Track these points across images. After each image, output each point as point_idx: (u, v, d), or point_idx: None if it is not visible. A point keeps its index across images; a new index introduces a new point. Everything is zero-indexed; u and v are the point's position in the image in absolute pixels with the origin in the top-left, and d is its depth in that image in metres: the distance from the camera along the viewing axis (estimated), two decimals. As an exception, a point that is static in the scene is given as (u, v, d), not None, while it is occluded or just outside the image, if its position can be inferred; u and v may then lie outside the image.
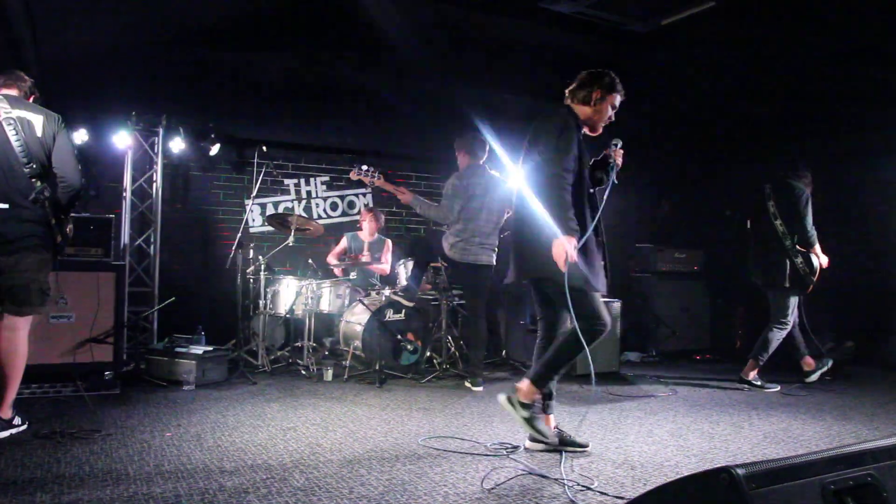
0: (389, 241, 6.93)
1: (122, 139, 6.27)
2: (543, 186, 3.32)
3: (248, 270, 6.17)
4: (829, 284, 5.29)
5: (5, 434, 3.48)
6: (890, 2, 5.05)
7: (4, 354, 3.50)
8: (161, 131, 6.54)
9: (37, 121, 3.56)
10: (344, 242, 6.82)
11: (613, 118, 3.56)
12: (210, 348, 5.32)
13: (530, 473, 3.13)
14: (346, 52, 6.18)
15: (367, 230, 6.78)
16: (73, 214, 3.86)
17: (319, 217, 7.63)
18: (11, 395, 3.55)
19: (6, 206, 3.44)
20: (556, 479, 3.04)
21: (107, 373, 4.84)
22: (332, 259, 6.74)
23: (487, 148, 5.44)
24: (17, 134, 3.45)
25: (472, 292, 5.44)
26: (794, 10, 5.40)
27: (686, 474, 1.59)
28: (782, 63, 6.32)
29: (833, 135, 6.95)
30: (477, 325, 5.39)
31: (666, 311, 7.41)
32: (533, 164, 3.45)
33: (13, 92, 3.65)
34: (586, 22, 5.71)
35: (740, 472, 1.45)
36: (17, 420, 3.61)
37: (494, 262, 5.37)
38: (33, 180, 3.48)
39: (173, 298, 5.92)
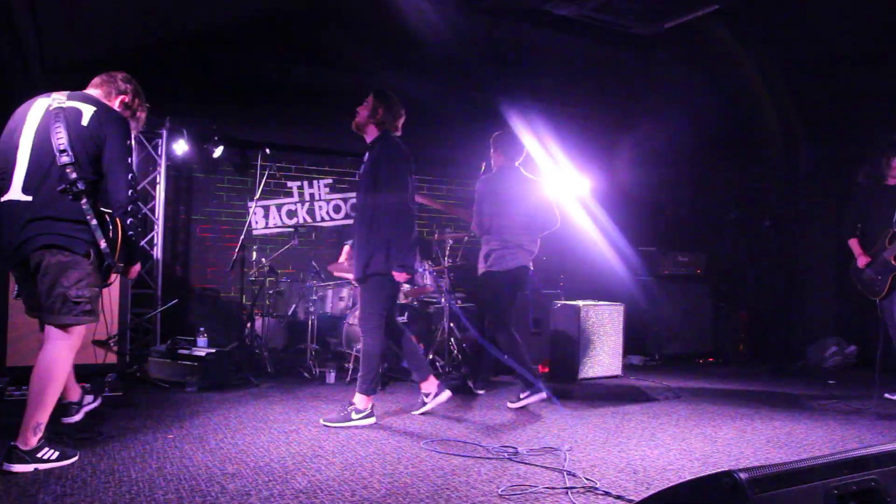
0: None
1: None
2: None
3: (251, 272, 6.17)
4: (832, 288, 5.27)
5: (27, 468, 2.98)
6: (891, 6, 5.06)
7: (35, 368, 3.07)
8: (164, 133, 6.56)
9: (87, 111, 3.15)
10: (348, 248, 6.79)
11: None
12: (213, 350, 5.32)
13: (532, 476, 3.13)
14: (349, 55, 6.20)
15: None
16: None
17: (322, 220, 7.64)
18: (32, 419, 3.01)
19: (29, 198, 3.05)
20: (558, 481, 3.03)
21: (110, 375, 4.84)
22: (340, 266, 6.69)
23: (524, 151, 5.10)
24: (60, 123, 3.09)
25: (510, 299, 4.94)
26: (797, 12, 5.41)
27: (689, 478, 1.59)
28: (786, 65, 6.32)
29: (836, 138, 6.94)
30: (511, 333, 4.87)
31: (668, 314, 7.40)
32: None
33: (94, 90, 3.37)
34: (591, 25, 5.72)
35: (743, 476, 1.44)
36: (47, 453, 3.06)
37: (531, 267, 4.97)
38: (68, 170, 3.04)
39: (176, 300, 5.93)
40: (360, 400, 4.13)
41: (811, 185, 7.29)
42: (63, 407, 3.60)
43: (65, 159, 3.04)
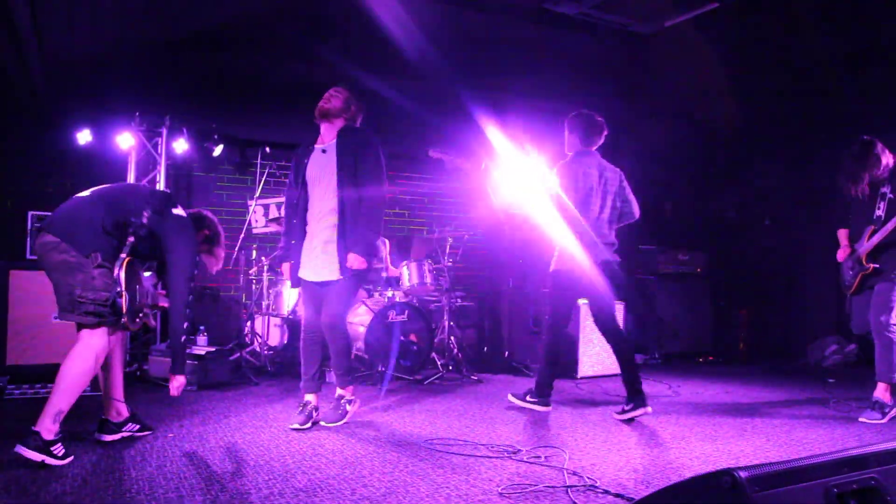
0: (387, 241, 6.91)
1: (126, 140, 6.28)
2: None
3: (250, 271, 6.17)
4: (832, 286, 5.27)
5: (36, 458, 3.00)
6: (891, 5, 5.06)
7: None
8: (164, 132, 6.56)
9: (180, 210, 3.58)
10: None
11: None
12: (213, 349, 5.32)
13: (532, 475, 3.13)
14: (349, 54, 6.19)
15: None
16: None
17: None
18: (53, 406, 3.09)
19: (86, 194, 3.37)
20: (558, 479, 3.03)
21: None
22: None
23: (604, 134, 4.65)
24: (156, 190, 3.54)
25: (601, 297, 4.54)
26: (797, 10, 5.40)
27: (689, 476, 1.59)
28: (786, 63, 6.31)
29: (836, 136, 6.94)
30: (558, 340, 4.64)
31: (669, 313, 7.40)
32: None
33: None
34: (590, 23, 5.71)
35: (743, 474, 1.44)
36: (59, 450, 3.08)
37: (618, 258, 4.57)
38: (145, 213, 3.34)
39: (176, 299, 5.91)
40: (346, 392, 4.15)
41: (811, 183, 7.29)
42: (100, 422, 3.56)
43: (145, 212, 3.35)
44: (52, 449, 3.05)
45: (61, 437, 3.11)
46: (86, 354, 3.22)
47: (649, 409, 4.28)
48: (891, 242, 4.47)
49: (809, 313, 7.34)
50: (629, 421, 4.29)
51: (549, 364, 4.61)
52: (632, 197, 4.67)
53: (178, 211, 3.54)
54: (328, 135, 4.09)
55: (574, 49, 6.30)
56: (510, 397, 4.71)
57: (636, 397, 4.30)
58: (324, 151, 4.06)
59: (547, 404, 4.59)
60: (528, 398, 4.61)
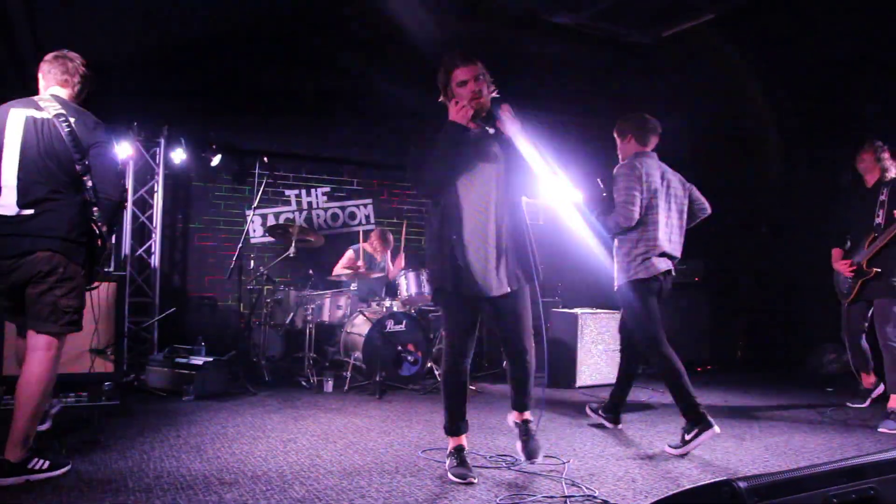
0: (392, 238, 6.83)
1: (124, 149, 6.29)
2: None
3: (248, 281, 6.17)
4: (831, 293, 5.28)
5: (16, 481, 2.90)
6: (885, 11, 5.09)
7: (21, 379, 3.00)
8: (162, 142, 6.57)
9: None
10: (351, 254, 6.69)
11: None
12: (210, 359, 5.31)
13: (531, 485, 3.12)
14: (347, 64, 6.21)
15: (377, 250, 6.69)
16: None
17: (320, 228, 7.63)
18: (22, 432, 2.94)
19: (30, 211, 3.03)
20: (557, 490, 3.02)
21: (107, 383, 4.81)
22: (339, 270, 6.64)
23: (659, 133, 4.24)
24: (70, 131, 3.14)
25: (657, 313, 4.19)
26: (791, 20, 5.44)
27: (687, 487, 1.58)
28: (780, 73, 6.34)
29: (832, 142, 6.96)
30: (669, 354, 3.99)
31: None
32: None
33: (63, 94, 3.33)
34: (588, 33, 5.73)
35: (742, 484, 1.44)
36: (37, 463, 2.99)
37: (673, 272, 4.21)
38: (85, 178, 3.11)
39: (174, 309, 5.93)
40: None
41: (808, 189, 7.30)
42: None
43: (80, 167, 3.13)
44: (29, 466, 2.94)
45: (32, 454, 2.98)
46: (53, 369, 3.04)
47: (716, 428, 3.70)
48: (888, 247, 4.64)
49: (808, 321, 7.33)
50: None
51: (677, 388, 3.84)
52: (698, 193, 4.38)
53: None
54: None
55: (571, 59, 6.32)
56: (670, 449, 3.79)
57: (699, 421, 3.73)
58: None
59: (709, 425, 3.68)
60: (686, 438, 3.73)
